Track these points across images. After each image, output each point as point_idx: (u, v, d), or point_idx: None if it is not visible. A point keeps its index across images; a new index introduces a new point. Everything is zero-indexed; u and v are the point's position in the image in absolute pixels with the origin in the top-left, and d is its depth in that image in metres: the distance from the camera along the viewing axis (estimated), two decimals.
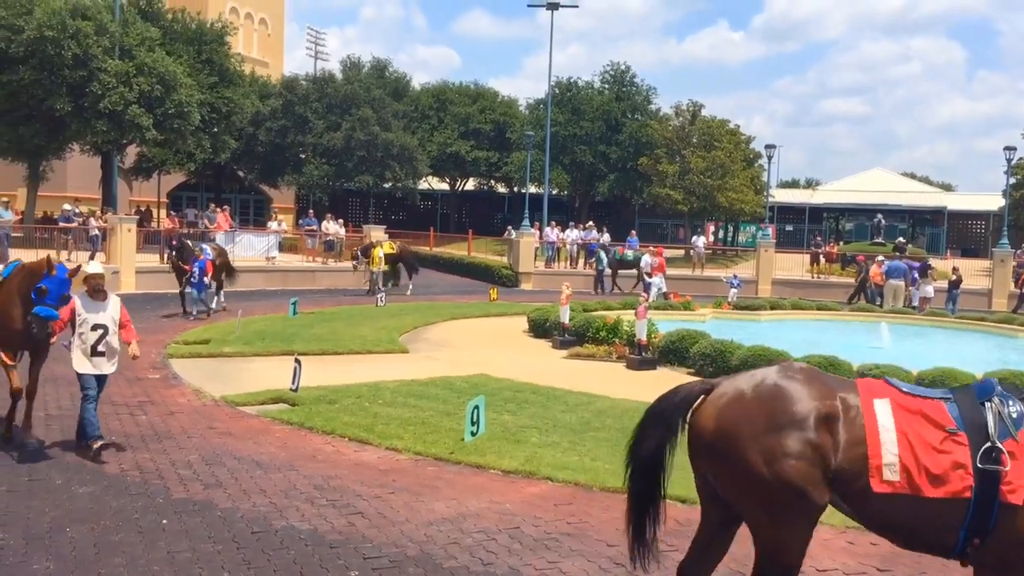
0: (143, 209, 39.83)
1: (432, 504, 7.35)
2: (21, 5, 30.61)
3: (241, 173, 50.46)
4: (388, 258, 28.46)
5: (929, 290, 26.63)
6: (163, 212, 44.05)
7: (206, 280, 20.08)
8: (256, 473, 8.07)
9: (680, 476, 8.16)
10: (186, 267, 20.14)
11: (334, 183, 48.20)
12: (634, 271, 31.10)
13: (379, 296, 23.90)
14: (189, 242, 21.83)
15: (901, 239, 40.47)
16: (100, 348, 8.52)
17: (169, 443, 9.03)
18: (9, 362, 8.76)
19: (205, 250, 20.81)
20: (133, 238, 26.61)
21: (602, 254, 32.49)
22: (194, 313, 19.81)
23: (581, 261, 37.29)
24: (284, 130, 46.09)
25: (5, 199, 29.39)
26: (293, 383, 11.37)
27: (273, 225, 35.85)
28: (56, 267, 8.33)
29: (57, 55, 29.81)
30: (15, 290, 8.59)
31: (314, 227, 35.15)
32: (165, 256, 26.25)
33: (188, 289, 20.23)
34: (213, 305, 20.67)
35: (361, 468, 8.35)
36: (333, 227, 34.44)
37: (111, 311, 8.66)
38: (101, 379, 8.72)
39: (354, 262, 29.27)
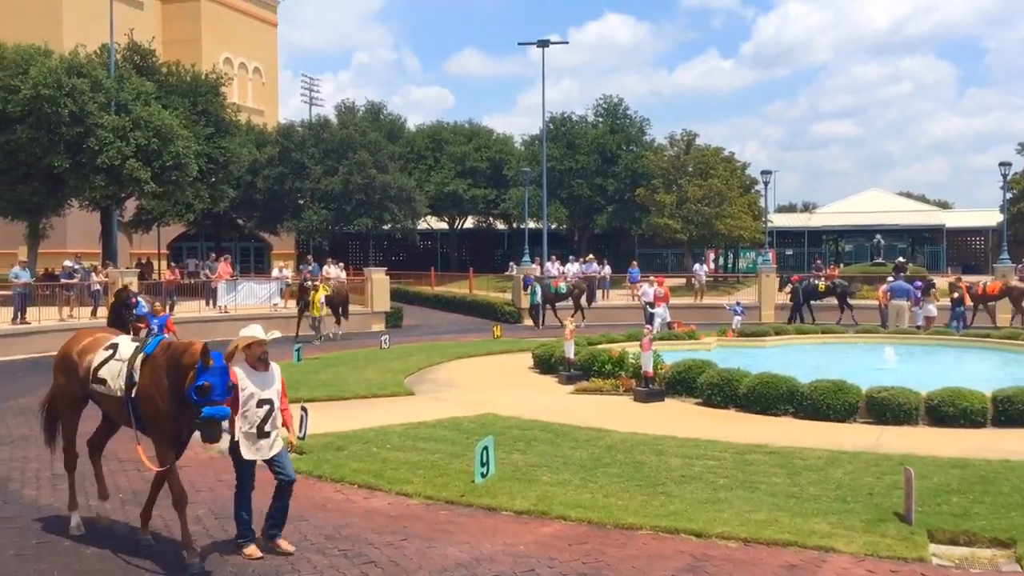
0: (144, 261, 39.90)
1: (445, 549, 7.27)
2: (17, 65, 30.93)
3: (240, 221, 50.67)
4: (327, 302, 27.05)
5: (931, 309, 26.60)
6: (164, 264, 44.16)
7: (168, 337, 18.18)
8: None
9: (696, 507, 8.10)
10: (141, 324, 17.64)
11: (333, 227, 48.39)
12: (570, 302, 31.82)
13: (383, 339, 23.79)
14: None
15: (901, 259, 40.48)
16: (267, 428, 7.18)
17: None
18: (155, 468, 7.24)
19: (140, 304, 18.34)
20: (135, 291, 26.60)
21: (537, 287, 31.56)
22: None
23: None
24: (282, 177, 46.34)
25: (24, 260, 29.51)
26: (300, 431, 11.29)
27: (275, 272, 35.90)
28: (212, 356, 6.68)
29: (54, 113, 30.06)
30: (163, 374, 7.01)
31: (311, 271, 35.10)
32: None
33: None
34: None
35: (372, 515, 8.27)
36: (334, 271, 34.49)
37: (276, 382, 7.42)
38: (280, 463, 7.25)
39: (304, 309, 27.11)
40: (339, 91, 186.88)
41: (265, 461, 7.25)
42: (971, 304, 29.34)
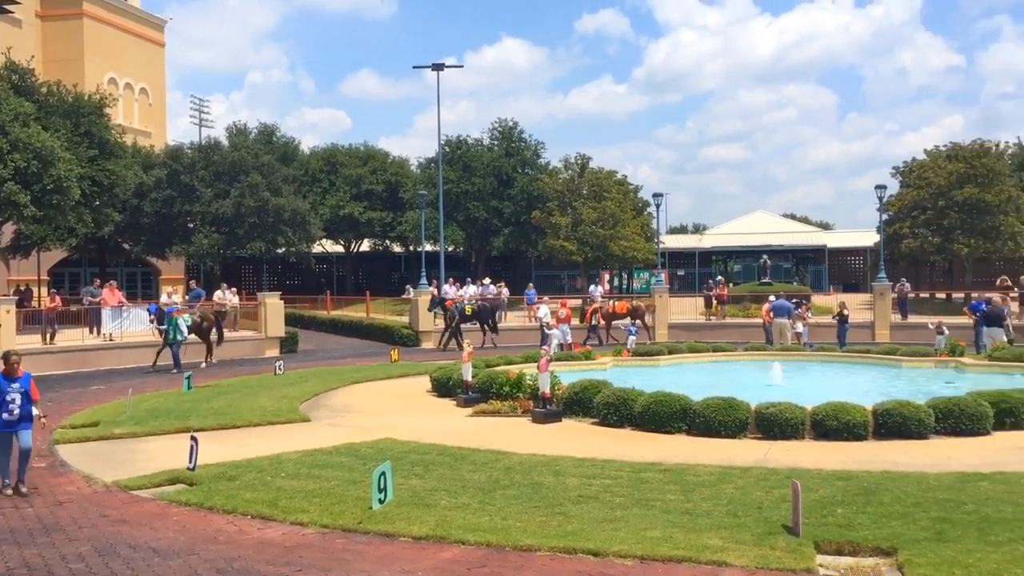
0: (23, 288, 38.20)
1: None
2: None
3: (126, 246, 49.01)
4: None
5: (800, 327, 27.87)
6: (44, 290, 42.32)
7: (36, 411, 10.65)
8: (154, 561, 7.71)
9: (593, 527, 8.18)
10: None
11: (225, 251, 47.26)
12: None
13: (277, 364, 23.25)
14: None
15: (712, 279, 43.74)
16: None
17: (58, 535, 8.57)
18: None
19: None
20: (12, 320, 25.41)
21: (179, 321, 25.64)
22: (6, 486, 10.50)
23: None
24: (170, 200, 45.11)
25: None
26: (190, 461, 10.97)
27: (164, 298, 34.81)
28: None
29: None
30: None
31: (191, 298, 34.21)
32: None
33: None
34: None
35: (265, 546, 8.08)
36: (228, 296, 33.68)
37: None
38: None
39: None
40: (232, 112, 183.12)
41: None
42: (604, 323, 32.68)
